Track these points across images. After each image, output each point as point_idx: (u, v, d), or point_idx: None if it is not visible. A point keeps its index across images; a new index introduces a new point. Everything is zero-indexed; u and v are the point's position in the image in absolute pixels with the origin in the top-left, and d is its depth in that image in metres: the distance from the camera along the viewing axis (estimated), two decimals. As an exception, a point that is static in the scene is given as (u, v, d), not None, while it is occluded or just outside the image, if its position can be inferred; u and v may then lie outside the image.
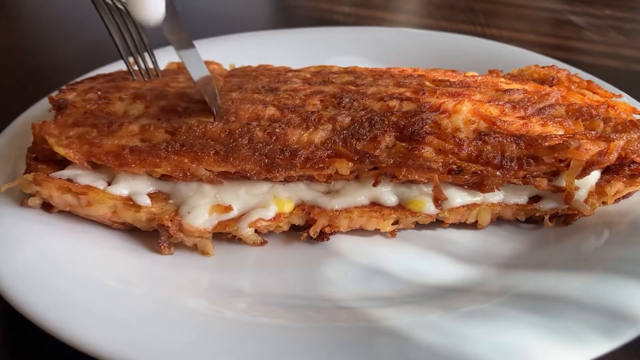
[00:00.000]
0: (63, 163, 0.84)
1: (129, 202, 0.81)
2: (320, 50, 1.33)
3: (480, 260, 0.81)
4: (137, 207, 0.80)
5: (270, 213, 0.82)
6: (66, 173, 0.81)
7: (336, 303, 0.74)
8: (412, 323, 0.67)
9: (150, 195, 0.82)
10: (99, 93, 0.93)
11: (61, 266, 0.74)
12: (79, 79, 1.17)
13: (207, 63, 1.10)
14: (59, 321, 0.64)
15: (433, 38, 1.39)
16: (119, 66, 1.22)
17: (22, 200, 0.83)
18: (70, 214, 0.83)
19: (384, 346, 0.63)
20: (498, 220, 0.87)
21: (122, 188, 0.81)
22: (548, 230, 0.85)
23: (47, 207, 0.83)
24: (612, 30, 1.67)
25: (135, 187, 0.81)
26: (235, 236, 0.83)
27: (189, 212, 0.80)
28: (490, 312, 0.68)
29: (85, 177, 0.81)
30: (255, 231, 0.83)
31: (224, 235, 0.84)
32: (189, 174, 0.80)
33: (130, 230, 0.85)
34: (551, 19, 1.84)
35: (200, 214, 0.81)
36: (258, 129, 0.82)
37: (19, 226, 0.80)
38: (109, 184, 0.82)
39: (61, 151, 0.80)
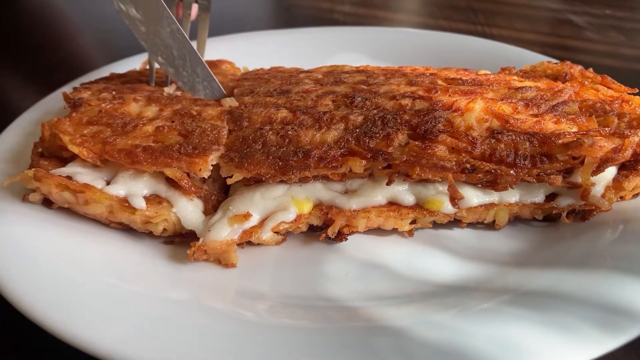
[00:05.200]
0: (67, 160, 0.84)
1: (125, 203, 0.80)
2: (322, 50, 1.33)
3: (486, 259, 0.81)
4: (133, 209, 0.80)
5: (291, 215, 0.81)
6: (66, 170, 0.81)
7: (340, 303, 0.74)
8: (421, 322, 0.67)
9: (146, 198, 0.82)
10: (113, 93, 0.93)
11: (62, 264, 0.74)
12: (84, 75, 1.16)
13: (220, 62, 1.11)
14: (58, 320, 0.64)
15: (434, 38, 1.40)
16: (128, 62, 1.22)
17: (23, 195, 0.83)
18: (73, 211, 0.83)
19: (389, 345, 0.63)
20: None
21: (120, 189, 0.81)
22: (557, 229, 0.85)
23: (47, 203, 0.83)
24: (612, 29, 1.68)
25: (133, 188, 0.81)
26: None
27: (209, 231, 0.80)
28: (497, 310, 0.68)
29: (84, 175, 0.81)
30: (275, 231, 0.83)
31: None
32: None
33: (133, 229, 0.84)
34: (551, 19, 1.85)
35: (221, 227, 0.80)
36: (271, 132, 0.82)
37: (20, 223, 0.79)
38: (108, 183, 0.82)
39: (75, 149, 0.80)
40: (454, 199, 0.81)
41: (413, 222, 0.85)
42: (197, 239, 0.80)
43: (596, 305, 0.65)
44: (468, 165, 0.78)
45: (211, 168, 0.80)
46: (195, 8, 1.03)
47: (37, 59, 1.54)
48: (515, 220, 0.86)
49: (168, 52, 0.93)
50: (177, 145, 0.81)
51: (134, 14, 0.90)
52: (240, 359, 0.61)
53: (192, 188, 0.81)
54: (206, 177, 0.82)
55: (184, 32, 0.92)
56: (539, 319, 0.64)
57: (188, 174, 0.81)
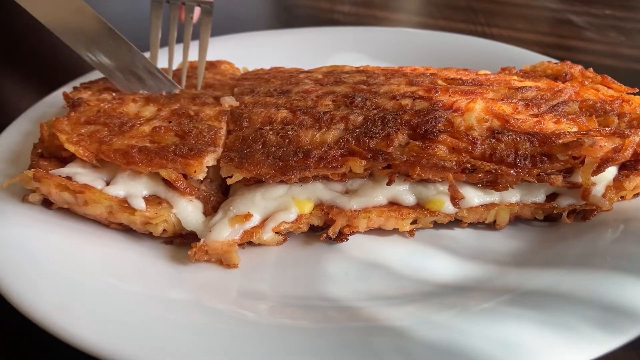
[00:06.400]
0: (67, 161, 0.84)
1: (125, 203, 0.80)
2: (322, 50, 1.33)
3: (486, 259, 0.81)
4: (132, 210, 0.80)
5: (292, 215, 0.81)
6: (66, 170, 0.81)
7: (340, 303, 0.74)
8: (421, 322, 0.67)
9: (146, 199, 0.81)
10: (113, 94, 0.93)
11: (62, 265, 0.74)
12: (84, 75, 1.16)
13: (219, 62, 1.11)
14: (58, 320, 0.64)
15: (434, 38, 1.40)
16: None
17: (23, 196, 0.83)
18: (73, 212, 0.83)
19: (389, 345, 0.63)
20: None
21: (119, 189, 0.81)
22: (558, 229, 0.85)
23: (47, 203, 0.83)
24: (612, 29, 1.68)
25: (132, 189, 0.81)
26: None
27: (210, 231, 0.79)
28: (496, 310, 0.68)
29: (84, 176, 0.81)
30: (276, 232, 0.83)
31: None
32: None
33: (133, 230, 0.84)
34: (551, 19, 1.85)
35: (222, 227, 0.80)
36: (271, 132, 0.82)
37: (20, 223, 0.79)
38: (108, 183, 0.82)
39: (71, 148, 0.80)
40: (455, 199, 0.81)
41: (414, 222, 0.85)
42: (197, 239, 0.80)
43: (596, 305, 0.65)
44: (468, 165, 0.78)
45: (206, 170, 0.80)
46: (197, 11, 1.04)
47: (37, 60, 1.54)
48: (516, 220, 0.86)
49: (144, 85, 0.98)
50: (173, 146, 0.81)
51: (107, 62, 0.95)
52: (241, 359, 0.61)
53: (188, 189, 0.81)
54: (202, 179, 0.81)
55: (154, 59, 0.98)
56: (539, 319, 0.64)
57: (185, 175, 0.81)
